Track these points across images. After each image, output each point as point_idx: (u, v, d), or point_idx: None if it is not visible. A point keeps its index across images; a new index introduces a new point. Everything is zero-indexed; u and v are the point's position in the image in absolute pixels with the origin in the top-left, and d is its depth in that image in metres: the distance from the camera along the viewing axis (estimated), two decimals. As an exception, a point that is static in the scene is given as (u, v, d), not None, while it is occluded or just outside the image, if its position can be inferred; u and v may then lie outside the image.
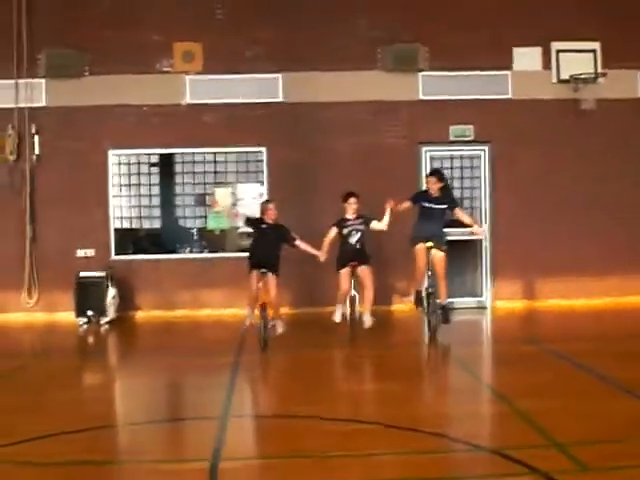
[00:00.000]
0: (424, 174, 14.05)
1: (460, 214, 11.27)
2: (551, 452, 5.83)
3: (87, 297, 13.29)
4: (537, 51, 14.28)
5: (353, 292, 11.12)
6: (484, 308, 14.20)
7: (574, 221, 14.19)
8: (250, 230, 11.59)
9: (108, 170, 14.11)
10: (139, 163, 14.31)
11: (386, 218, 11.09)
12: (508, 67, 14.29)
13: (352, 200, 11.14)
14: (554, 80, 14.24)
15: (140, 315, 13.99)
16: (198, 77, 14.00)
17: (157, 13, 13.93)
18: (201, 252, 14.39)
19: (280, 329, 10.90)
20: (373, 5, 13.99)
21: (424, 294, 11.13)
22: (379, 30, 14.00)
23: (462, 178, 14.45)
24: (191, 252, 14.41)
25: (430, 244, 10.94)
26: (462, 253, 14.03)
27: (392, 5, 13.97)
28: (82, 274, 13.43)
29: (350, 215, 11.18)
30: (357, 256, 11.09)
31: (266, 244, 10.76)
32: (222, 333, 12.55)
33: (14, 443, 6.31)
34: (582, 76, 14.08)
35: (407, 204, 11.17)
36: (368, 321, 11.07)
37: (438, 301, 11.03)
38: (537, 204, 14.15)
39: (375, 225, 11.22)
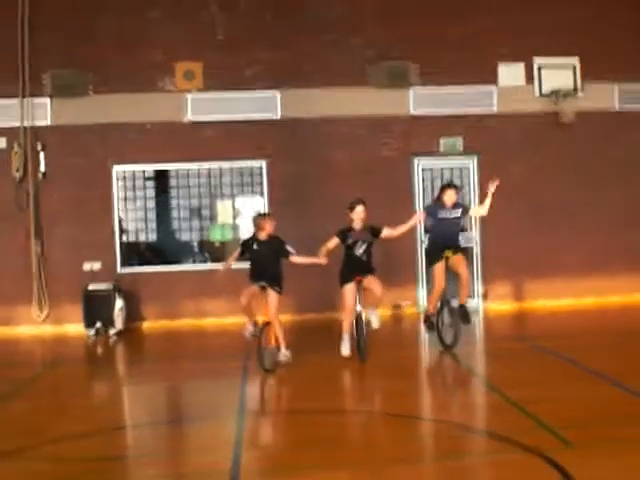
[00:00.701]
0: (418, 183, 14.97)
1: (474, 208, 11.77)
2: (540, 433, 6.58)
3: (95, 309, 13.72)
4: (520, 67, 15.05)
5: (359, 308, 10.20)
6: (476, 310, 14.92)
7: (558, 226, 14.98)
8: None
9: (112, 186, 14.55)
10: (143, 178, 14.78)
11: (404, 227, 10.63)
12: (493, 82, 15.04)
13: (360, 209, 10.25)
14: (536, 94, 15.03)
15: (146, 325, 14.42)
16: (199, 95, 14.51)
17: (159, 34, 14.38)
18: (204, 263, 14.90)
19: (283, 358, 10.08)
20: (366, 25, 14.65)
21: (439, 304, 10.77)
22: (372, 49, 14.65)
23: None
24: (194, 263, 14.92)
25: (449, 253, 10.57)
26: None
27: (384, 25, 14.62)
28: (90, 287, 13.86)
29: (357, 225, 10.29)
30: (363, 269, 10.20)
31: (262, 262, 10.02)
32: (226, 340, 13.02)
33: (46, 442, 6.88)
34: (562, 90, 14.86)
35: (418, 219, 11.02)
36: (376, 322, 10.39)
37: (456, 303, 10.75)
38: (523, 211, 14.91)
39: (386, 231, 10.40)
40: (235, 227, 14.86)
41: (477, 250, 15.00)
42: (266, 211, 10.96)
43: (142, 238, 14.97)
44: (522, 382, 8.56)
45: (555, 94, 14.91)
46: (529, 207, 14.91)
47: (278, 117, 14.68)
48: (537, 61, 14.99)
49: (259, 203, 14.70)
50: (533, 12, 14.85)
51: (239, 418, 7.72)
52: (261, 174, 14.77)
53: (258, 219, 10.28)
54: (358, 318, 10.14)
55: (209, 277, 14.49)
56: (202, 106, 14.51)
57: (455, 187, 11.07)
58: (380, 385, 9.31)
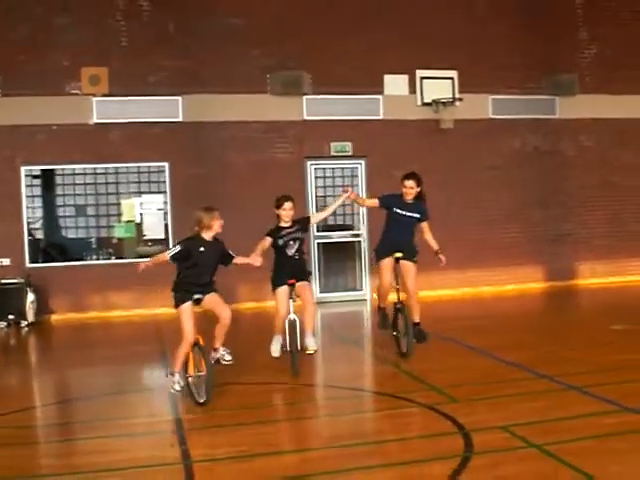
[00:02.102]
0: (311, 184, 16.08)
1: (427, 231, 10.03)
2: (430, 393, 7.97)
3: (7, 302, 14.34)
4: (404, 78, 16.31)
5: (292, 316, 9.15)
6: (364, 300, 16.22)
7: (437, 223, 16.26)
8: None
9: (21, 185, 15.12)
10: (50, 178, 15.38)
11: (332, 207, 9.98)
12: (380, 92, 16.29)
13: (288, 205, 9.23)
14: (419, 103, 16.33)
15: (55, 318, 15.06)
16: (104, 99, 15.21)
17: (66, 39, 14.98)
18: (108, 259, 15.69)
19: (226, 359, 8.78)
20: (264, 36, 15.59)
21: (391, 311, 9.96)
22: (269, 59, 15.63)
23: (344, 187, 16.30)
24: (98, 259, 15.67)
25: (399, 254, 9.77)
26: (343, 252, 16.25)
27: (281, 37, 15.60)
28: (2, 281, 14.51)
29: (285, 223, 9.29)
30: (296, 271, 9.21)
31: (205, 268, 8.28)
32: (135, 330, 13.97)
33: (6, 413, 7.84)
34: (442, 100, 16.21)
35: (374, 202, 10.14)
36: (312, 345, 9.19)
37: (412, 320, 9.83)
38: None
39: (316, 217, 10.31)
40: (139, 224, 15.65)
41: (365, 245, 16.28)
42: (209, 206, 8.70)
43: (49, 235, 15.61)
44: (411, 358, 9.68)
45: (435, 103, 16.26)
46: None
47: (180, 120, 15.52)
48: (419, 73, 16.26)
49: (162, 202, 15.60)
50: (416, 28, 16.15)
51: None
52: (164, 174, 15.63)
53: (206, 215, 8.35)
54: (292, 325, 9.13)
55: (114, 272, 15.44)
56: (107, 109, 15.21)
57: (415, 178, 9.95)
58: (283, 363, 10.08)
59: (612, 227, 17.52)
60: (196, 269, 8.17)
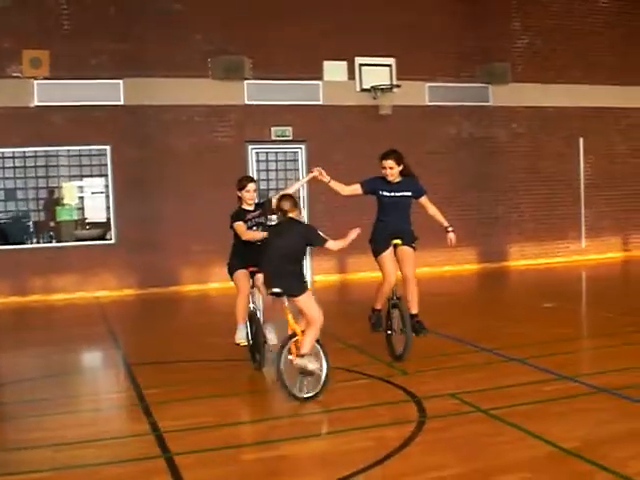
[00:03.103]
0: (252, 168, 16.29)
1: (430, 205, 9.02)
2: (380, 366, 8.39)
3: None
4: (343, 65, 16.65)
5: (252, 305, 8.71)
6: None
7: (374, 206, 16.74)
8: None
9: (-39, 167, 15.08)
10: (-9, 160, 15.37)
11: (295, 186, 9.20)
12: (319, 78, 16.59)
13: (251, 186, 8.74)
14: (357, 89, 16.69)
15: (-4, 301, 15.11)
16: (45, 82, 15.13)
17: (8, 22, 14.90)
18: (49, 242, 15.64)
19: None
20: (207, 22, 15.75)
21: (389, 305, 8.81)
22: (211, 43, 15.81)
23: (286, 170, 16.56)
24: (39, 243, 15.57)
25: (398, 241, 8.70)
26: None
27: (223, 22, 15.78)
28: (-58, 264, 14.46)
29: (249, 206, 8.74)
30: (257, 258, 8.12)
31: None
32: (80, 312, 13.96)
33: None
34: (380, 86, 16.58)
35: (354, 189, 8.99)
36: (273, 338, 8.62)
37: (411, 311, 8.75)
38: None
39: (276, 199, 8.25)
40: (80, 208, 15.67)
41: (305, 229, 16.52)
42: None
43: (-10, 218, 15.55)
44: (354, 334, 10.09)
45: (374, 90, 16.62)
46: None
47: (122, 104, 15.56)
48: (358, 60, 16.61)
49: (103, 185, 15.63)
50: (356, 16, 16.49)
51: (125, 368, 8.97)
52: (105, 158, 15.64)
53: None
54: (252, 315, 8.72)
55: (55, 255, 15.43)
56: (48, 92, 15.15)
57: (392, 156, 8.83)
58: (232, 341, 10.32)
59: (541, 211, 18.27)
60: (270, 251, 7.94)
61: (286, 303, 7.33)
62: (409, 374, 8.03)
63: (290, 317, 7.37)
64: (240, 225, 8.53)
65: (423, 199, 8.97)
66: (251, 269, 8.61)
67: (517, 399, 6.90)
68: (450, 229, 8.98)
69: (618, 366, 7.95)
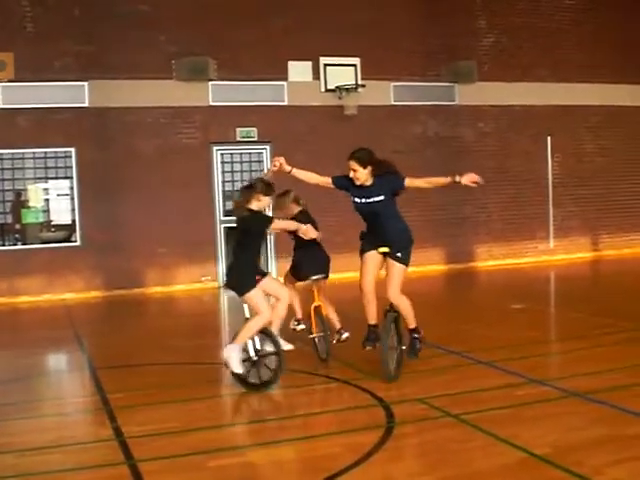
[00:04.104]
0: (217, 169, 16.35)
1: (418, 180, 8.00)
2: (346, 370, 8.27)
3: None
4: (308, 65, 16.68)
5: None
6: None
7: (343, 206, 16.79)
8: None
9: None
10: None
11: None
12: (284, 78, 16.62)
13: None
14: (322, 89, 16.73)
15: (-38, 304, 15.09)
16: (10, 84, 15.12)
17: (-30, 25, 14.91)
18: (14, 244, 15.63)
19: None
20: (171, 23, 15.75)
21: (386, 317, 7.88)
22: (176, 45, 15.80)
23: (250, 172, 16.52)
24: (3, 245, 15.47)
25: (385, 249, 7.81)
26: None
27: (187, 24, 15.79)
28: None
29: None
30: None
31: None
32: (46, 315, 14.03)
33: None
34: (345, 86, 16.61)
35: (326, 181, 8.28)
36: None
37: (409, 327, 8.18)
38: (311, 194, 16.52)
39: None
40: (45, 210, 15.68)
41: (271, 229, 16.57)
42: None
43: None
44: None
45: (339, 90, 16.66)
46: (316, 191, 16.29)
47: (86, 105, 15.58)
48: (323, 60, 16.65)
49: (68, 187, 15.65)
50: (320, 15, 16.52)
51: (90, 372, 8.92)
52: (70, 160, 15.65)
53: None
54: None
55: (20, 257, 15.43)
56: (13, 95, 15.16)
57: (357, 156, 7.80)
58: (198, 343, 10.49)
59: (509, 210, 18.31)
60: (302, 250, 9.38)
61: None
62: (375, 377, 7.84)
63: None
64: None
65: (407, 182, 7.81)
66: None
67: (487, 404, 6.81)
68: (458, 179, 7.84)
69: (589, 369, 7.84)
